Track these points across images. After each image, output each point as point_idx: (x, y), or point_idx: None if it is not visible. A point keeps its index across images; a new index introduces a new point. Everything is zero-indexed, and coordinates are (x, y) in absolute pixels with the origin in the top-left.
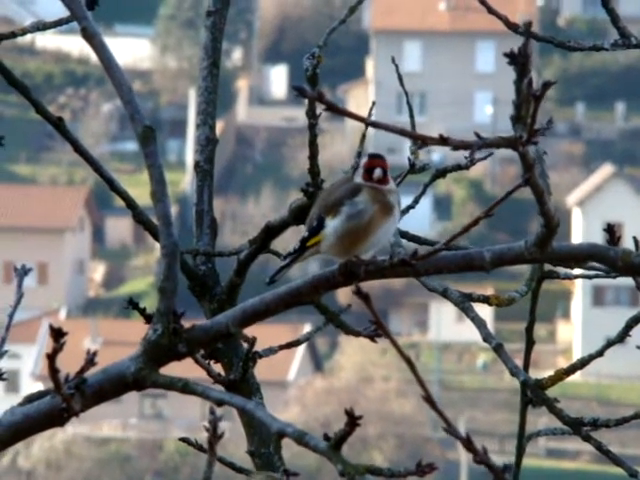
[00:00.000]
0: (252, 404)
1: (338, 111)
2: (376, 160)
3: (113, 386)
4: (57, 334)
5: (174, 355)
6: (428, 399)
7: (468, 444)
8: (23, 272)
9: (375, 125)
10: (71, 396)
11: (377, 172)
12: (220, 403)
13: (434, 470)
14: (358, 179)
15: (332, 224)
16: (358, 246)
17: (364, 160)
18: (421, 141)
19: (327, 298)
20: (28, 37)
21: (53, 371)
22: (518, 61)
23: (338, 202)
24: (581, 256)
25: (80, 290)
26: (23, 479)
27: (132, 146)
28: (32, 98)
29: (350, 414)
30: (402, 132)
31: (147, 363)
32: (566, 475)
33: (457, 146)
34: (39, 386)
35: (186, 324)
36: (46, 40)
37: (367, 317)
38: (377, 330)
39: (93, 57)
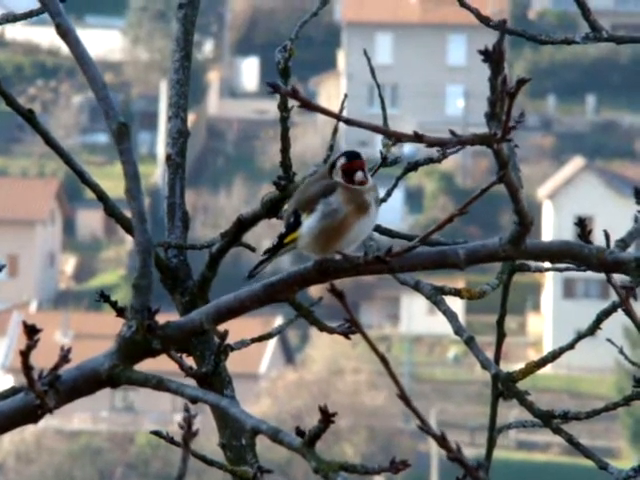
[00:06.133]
0: (226, 401)
1: (312, 107)
2: (355, 162)
3: (87, 383)
4: (31, 331)
5: (148, 352)
6: (402, 396)
7: (442, 441)
8: None
9: (349, 122)
10: (45, 393)
11: (359, 175)
12: (194, 400)
13: (407, 467)
14: (337, 179)
15: (307, 222)
16: (333, 244)
17: (342, 161)
18: (395, 138)
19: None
20: None
21: (27, 368)
22: (492, 58)
23: (313, 199)
24: (555, 254)
25: (51, 283)
26: None
27: (103, 138)
28: (2, 90)
29: (324, 411)
30: (376, 129)
31: (121, 360)
32: (536, 467)
33: (432, 143)
34: (9, 378)
35: (158, 318)
36: (16, 31)
37: (338, 309)
38: (351, 327)
39: (63, 48)
